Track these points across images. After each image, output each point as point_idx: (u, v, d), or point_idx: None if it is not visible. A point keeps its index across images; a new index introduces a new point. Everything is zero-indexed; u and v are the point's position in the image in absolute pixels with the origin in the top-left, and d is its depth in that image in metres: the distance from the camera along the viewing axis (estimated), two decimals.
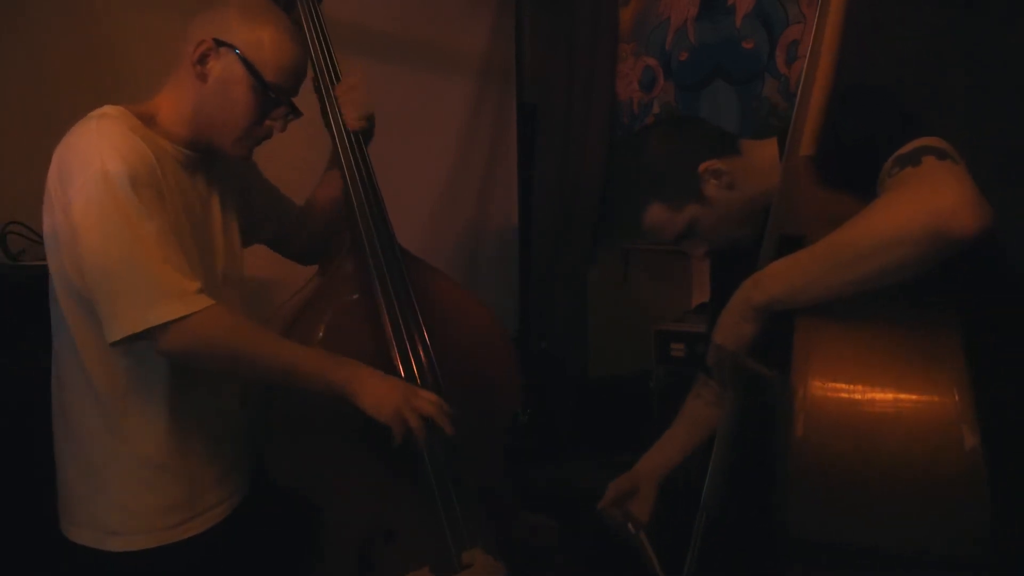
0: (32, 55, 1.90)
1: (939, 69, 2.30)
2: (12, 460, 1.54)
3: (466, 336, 1.64)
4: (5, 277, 1.66)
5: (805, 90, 1.13)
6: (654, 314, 2.85)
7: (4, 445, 1.55)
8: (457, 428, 1.42)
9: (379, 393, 1.37)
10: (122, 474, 1.36)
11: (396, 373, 1.48)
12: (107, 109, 1.32)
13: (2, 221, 1.77)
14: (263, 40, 1.36)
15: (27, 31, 1.89)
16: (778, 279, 1.09)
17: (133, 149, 1.27)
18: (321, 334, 1.52)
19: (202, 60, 1.35)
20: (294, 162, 1.76)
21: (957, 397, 0.94)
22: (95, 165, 1.23)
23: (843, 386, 0.98)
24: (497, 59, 3.15)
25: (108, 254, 1.23)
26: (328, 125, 1.58)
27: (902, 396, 0.97)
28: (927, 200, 0.98)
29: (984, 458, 0.91)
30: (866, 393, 0.97)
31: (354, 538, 1.50)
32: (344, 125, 1.57)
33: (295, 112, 1.43)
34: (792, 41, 2.68)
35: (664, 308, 2.95)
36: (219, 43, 1.35)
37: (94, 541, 1.37)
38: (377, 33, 2.68)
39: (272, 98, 1.38)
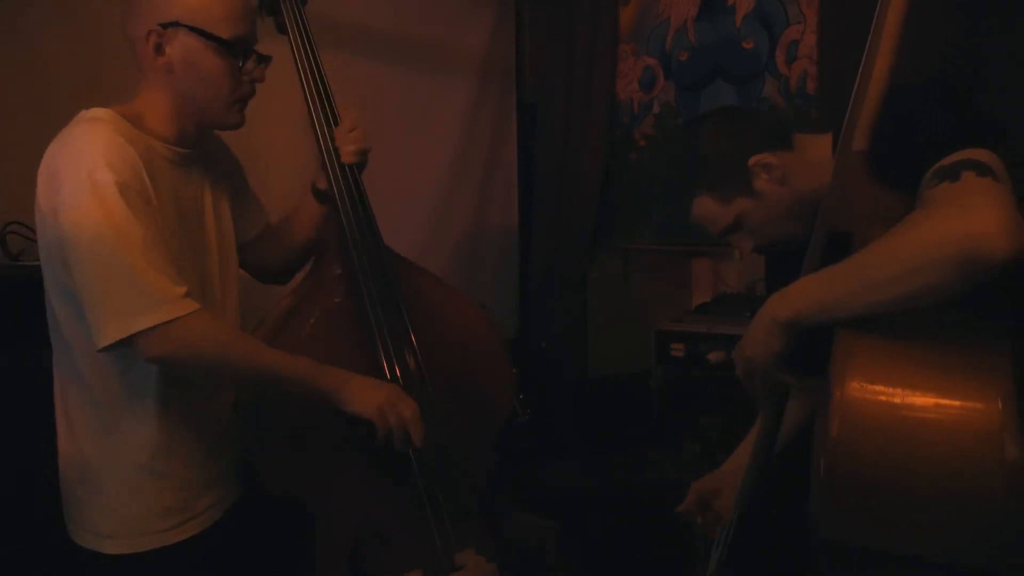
0: (32, 56, 1.90)
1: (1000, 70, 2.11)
2: (12, 460, 1.54)
3: (457, 336, 1.64)
4: (5, 277, 1.66)
5: (862, 82, 1.07)
6: (654, 314, 2.84)
7: (5, 445, 1.55)
8: (447, 428, 1.43)
9: (364, 393, 1.38)
10: (116, 478, 1.37)
11: (383, 375, 1.48)
12: (96, 112, 1.31)
13: (2, 221, 1.77)
14: (202, 0, 1.32)
15: (27, 32, 1.89)
16: (804, 296, 1.06)
17: (121, 155, 1.26)
18: (307, 336, 1.52)
19: (158, 50, 1.33)
20: (284, 168, 1.74)
21: (1001, 406, 0.89)
22: (83, 172, 1.23)
23: (882, 389, 0.94)
24: (497, 59, 3.15)
25: (95, 261, 1.23)
26: (312, 127, 1.56)
27: (943, 402, 0.93)
28: (957, 222, 0.92)
29: None
30: (906, 397, 0.93)
31: (345, 542, 1.50)
32: (335, 152, 1.54)
33: (263, 59, 1.40)
34: (792, 41, 2.68)
35: (664, 308, 2.95)
36: (165, 26, 1.32)
37: (93, 543, 1.38)
38: (377, 33, 2.68)
39: (239, 52, 1.35)
